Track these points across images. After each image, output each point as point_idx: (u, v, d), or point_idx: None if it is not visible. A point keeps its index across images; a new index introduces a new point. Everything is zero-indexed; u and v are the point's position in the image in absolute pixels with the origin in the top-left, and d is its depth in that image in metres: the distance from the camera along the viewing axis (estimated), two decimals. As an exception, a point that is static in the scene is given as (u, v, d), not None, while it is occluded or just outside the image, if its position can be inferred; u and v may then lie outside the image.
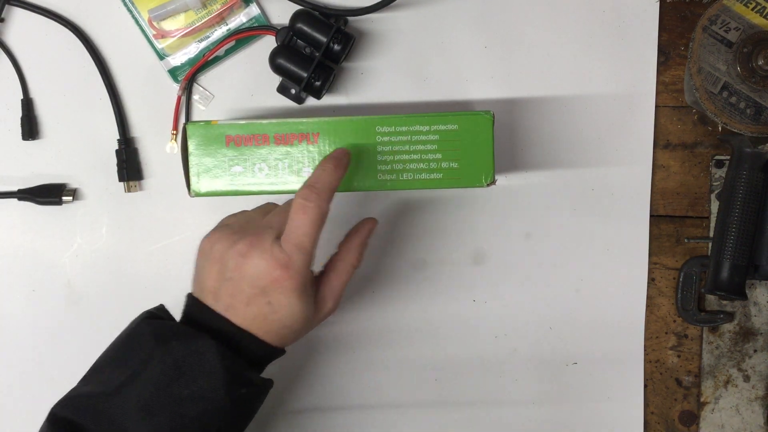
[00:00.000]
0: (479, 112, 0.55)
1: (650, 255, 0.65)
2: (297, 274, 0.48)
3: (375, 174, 0.55)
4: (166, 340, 0.48)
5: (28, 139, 0.64)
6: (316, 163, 0.55)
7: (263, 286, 0.48)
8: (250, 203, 0.58)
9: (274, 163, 0.55)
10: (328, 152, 0.55)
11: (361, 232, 0.55)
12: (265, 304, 0.49)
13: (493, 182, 0.55)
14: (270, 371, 0.66)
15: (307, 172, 0.55)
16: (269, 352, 0.50)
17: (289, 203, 0.51)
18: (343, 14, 0.62)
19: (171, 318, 0.52)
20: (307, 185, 0.50)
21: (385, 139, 0.55)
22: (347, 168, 0.53)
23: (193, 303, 0.51)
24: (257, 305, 0.49)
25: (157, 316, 0.51)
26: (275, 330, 0.50)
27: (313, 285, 0.52)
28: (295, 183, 0.55)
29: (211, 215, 0.59)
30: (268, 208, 0.55)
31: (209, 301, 0.50)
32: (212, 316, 0.49)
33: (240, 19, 0.63)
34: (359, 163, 0.55)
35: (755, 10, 0.58)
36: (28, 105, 0.64)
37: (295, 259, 0.48)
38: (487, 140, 0.55)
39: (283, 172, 0.55)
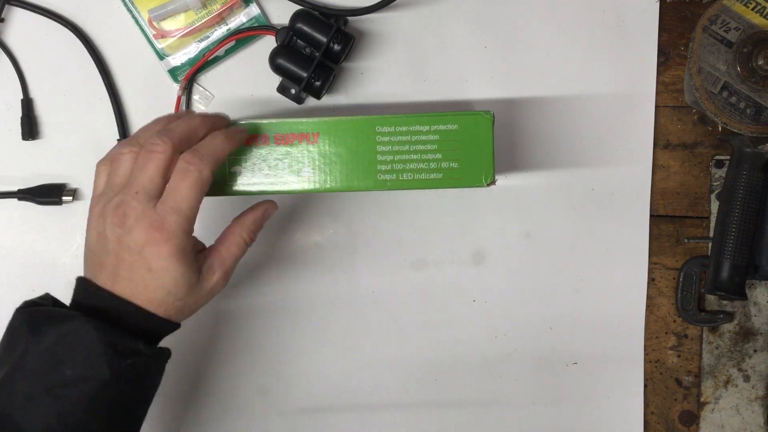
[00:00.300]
0: (479, 112, 0.55)
1: (650, 255, 0.65)
2: (172, 236, 0.48)
3: (375, 174, 0.55)
4: (39, 327, 0.47)
5: (28, 139, 0.64)
6: (317, 163, 0.55)
7: (140, 250, 0.48)
8: (250, 204, 0.57)
9: (274, 163, 0.55)
10: (328, 152, 0.55)
11: (256, 210, 0.54)
12: (146, 271, 0.48)
13: (493, 182, 0.55)
14: (272, 372, 0.66)
15: (307, 173, 0.55)
16: (157, 323, 0.50)
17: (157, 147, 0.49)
18: (343, 14, 0.62)
19: (57, 304, 0.51)
20: (191, 149, 0.50)
21: (385, 139, 0.55)
22: (239, 144, 0.53)
23: (79, 285, 0.51)
24: (138, 272, 0.48)
25: (36, 303, 0.50)
26: (159, 298, 0.49)
27: (198, 254, 0.52)
28: (295, 183, 0.55)
29: (210, 212, 0.59)
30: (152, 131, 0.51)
31: (95, 273, 0.50)
32: (96, 293, 0.49)
33: (240, 19, 0.63)
34: (359, 163, 0.55)
35: (755, 10, 0.58)
36: (28, 105, 0.64)
37: (170, 221, 0.48)
38: (487, 140, 0.55)
39: (283, 172, 0.55)
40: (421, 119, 0.55)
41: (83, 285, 0.50)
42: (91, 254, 0.51)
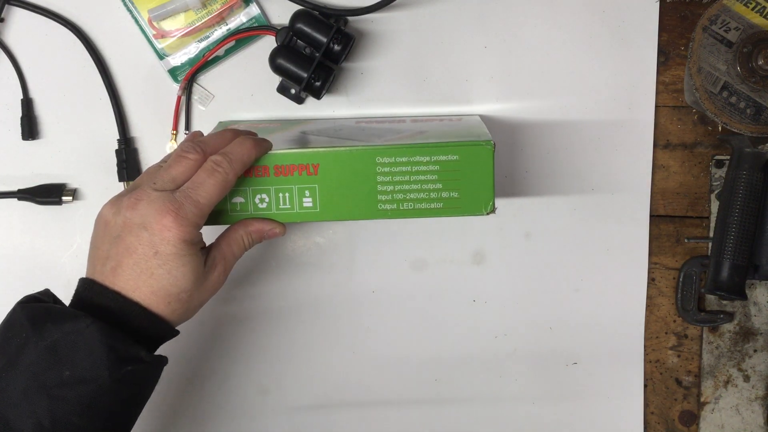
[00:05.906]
0: (480, 142, 0.54)
1: (650, 255, 0.65)
2: (185, 223, 0.48)
3: (375, 204, 0.55)
4: (41, 324, 0.46)
5: (28, 139, 0.64)
6: (317, 193, 0.55)
7: (149, 232, 0.48)
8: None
9: (275, 194, 0.55)
10: (328, 183, 0.54)
11: (264, 223, 0.54)
12: (152, 255, 0.48)
13: (493, 211, 0.55)
14: (272, 371, 0.66)
15: (307, 203, 0.55)
16: (160, 328, 0.49)
17: (181, 159, 0.51)
18: (343, 14, 0.62)
19: (57, 302, 0.50)
20: (221, 152, 0.51)
21: (386, 169, 0.55)
22: (265, 152, 0.54)
23: (81, 284, 0.50)
24: (144, 258, 0.48)
25: (37, 299, 0.50)
26: (164, 288, 0.48)
27: (203, 249, 0.52)
28: (295, 213, 0.55)
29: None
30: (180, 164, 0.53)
31: (97, 268, 0.49)
32: (101, 292, 0.48)
33: (240, 19, 0.63)
34: (359, 194, 0.55)
35: (755, 10, 0.58)
36: (28, 105, 0.64)
37: (185, 208, 0.48)
38: (488, 170, 0.54)
39: (283, 203, 0.55)
40: (421, 150, 0.54)
41: (86, 284, 0.50)
42: (94, 250, 0.50)
